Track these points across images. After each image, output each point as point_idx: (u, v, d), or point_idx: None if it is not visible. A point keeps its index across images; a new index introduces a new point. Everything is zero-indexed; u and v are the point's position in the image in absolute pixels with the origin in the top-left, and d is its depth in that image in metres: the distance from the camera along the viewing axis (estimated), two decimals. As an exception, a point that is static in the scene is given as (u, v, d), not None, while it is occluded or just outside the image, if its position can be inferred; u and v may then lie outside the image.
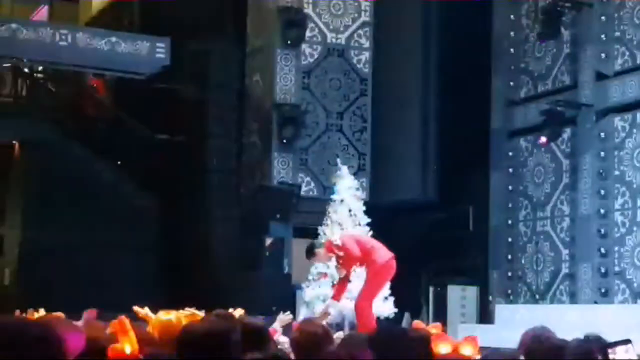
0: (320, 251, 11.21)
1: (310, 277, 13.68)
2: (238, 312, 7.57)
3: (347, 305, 11.59)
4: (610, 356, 4.52)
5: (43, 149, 18.82)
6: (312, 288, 13.56)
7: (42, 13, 19.51)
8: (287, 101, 18.23)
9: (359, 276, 11.24)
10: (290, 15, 18.24)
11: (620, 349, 4.54)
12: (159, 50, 18.47)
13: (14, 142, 19.44)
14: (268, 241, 17.00)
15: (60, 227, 17.92)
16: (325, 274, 11.76)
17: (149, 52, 18.52)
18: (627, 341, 4.63)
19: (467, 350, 2.86)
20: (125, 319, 3.65)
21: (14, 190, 20.04)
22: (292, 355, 4.88)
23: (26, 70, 19.45)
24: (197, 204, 19.21)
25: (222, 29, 19.21)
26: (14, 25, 18.16)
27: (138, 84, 18.79)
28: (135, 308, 6.45)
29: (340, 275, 11.22)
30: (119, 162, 19.64)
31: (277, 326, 9.47)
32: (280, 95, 18.23)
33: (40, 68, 19.30)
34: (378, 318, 12.26)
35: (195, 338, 3.89)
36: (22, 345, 2.92)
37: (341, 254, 10.84)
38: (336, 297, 11.25)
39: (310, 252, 11.29)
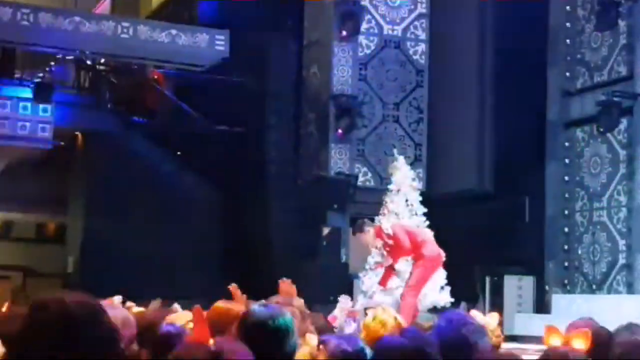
0: (370, 231, 11.18)
1: (367, 267, 13.73)
2: (297, 301, 7.62)
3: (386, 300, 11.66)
4: None
5: (105, 140, 19.12)
6: (369, 277, 13.60)
7: (105, 6, 19.82)
8: (344, 92, 18.21)
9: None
10: (347, 7, 18.22)
11: None
12: (218, 43, 18.73)
13: (76, 133, 19.76)
14: (325, 231, 17.01)
15: (122, 217, 18.26)
16: (381, 264, 11.80)
17: (208, 44, 18.79)
18: None
19: (578, 343, 2.81)
20: (200, 309, 3.71)
21: (77, 180, 20.45)
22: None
23: (89, 62, 19.65)
24: (256, 195, 19.34)
25: (280, 22, 19.21)
26: (77, 18, 18.49)
27: (198, 75, 18.93)
28: (232, 287, 6.45)
29: (386, 264, 11.40)
30: (178, 153, 19.86)
31: (337, 313, 9.58)
32: (337, 87, 18.25)
33: (102, 60, 19.50)
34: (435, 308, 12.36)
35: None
36: (71, 326, 2.87)
37: (390, 242, 10.91)
38: (382, 283, 11.56)
39: (359, 229, 11.30)
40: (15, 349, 2.85)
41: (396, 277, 11.67)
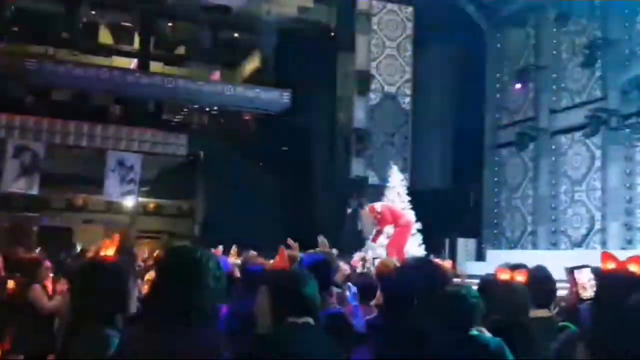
0: (366, 209, 11.50)
1: (371, 234, 13.87)
2: (335, 251, 7.48)
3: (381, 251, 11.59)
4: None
5: (217, 156, 19.02)
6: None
7: (216, 75, 20.11)
8: (360, 127, 18.15)
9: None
10: (362, 75, 18.31)
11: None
12: (284, 97, 18.83)
13: (200, 152, 19.83)
14: (348, 211, 16.88)
15: (226, 202, 18.04)
16: (377, 235, 11.98)
17: (278, 98, 18.90)
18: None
19: (633, 267, 2.45)
20: (283, 248, 3.86)
21: (200, 180, 20.44)
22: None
23: (207, 109, 19.73)
24: (308, 188, 19.25)
25: (321, 83, 19.29)
26: (200, 82, 18.86)
27: (272, 117, 19.09)
28: (290, 241, 6.45)
29: (377, 229, 11.49)
30: (260, 164, 19.76)
31: (356, 259, 9.76)
32: (356, 124, 18.15)
33: (215, 108, 19.59)
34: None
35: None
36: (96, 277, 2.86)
37: (379, 216, 11.01)
38: (374, 240, 11.74)
39: (362, 207, 11.83)
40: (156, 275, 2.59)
41: (382, 237, 11.69)
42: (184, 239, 19.91)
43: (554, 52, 16.05)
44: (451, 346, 2.75)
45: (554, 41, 16.03)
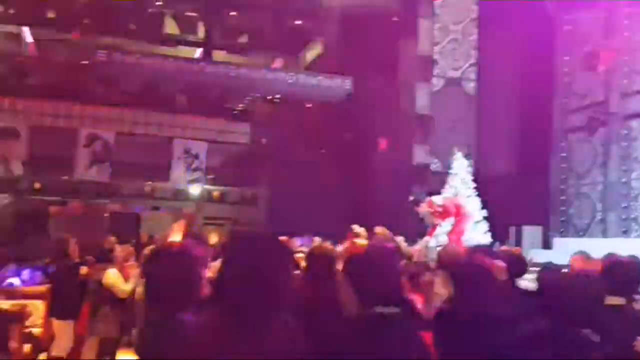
0: (424, 204, 11.40)
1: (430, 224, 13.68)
2: (400, 238, 7.37)
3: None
4: None
5: (279, 143, 19.02)
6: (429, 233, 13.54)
7: (279, 63, 20.27)
8: (423, 112, 17.95)
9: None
10: (425, 60, 18.08)
11: None
12: (346, 84, 18.89)
13: (263, 140, 20.00)
14: (411, 198, 16.48)
15: (289, 192, 17.99)
16: (433, 228, 11.85)
17: (340, 85, 18.94)
18: None
19: None
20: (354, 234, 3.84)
21: (264, 170, 20.52)
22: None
23: (269, 97, 19.92)
24: (372, 177, 18.99)
25: (383, 69, 19.01)
26: (262, 71, 19.04)
27: (333, 104, 19.16)
28: (355, 227, 6.31)
29: (433, 223, 11.39)
30: (323, 151, 19.81)
31: (418, 247, 9.76)
32: (418, 110, 17.93)
33: (277, 96, 19.77)
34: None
35: None
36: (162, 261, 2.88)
37: (439, 210, 10.96)
38: (430, 234, 11.39)
39: (417, 204, 11.65)
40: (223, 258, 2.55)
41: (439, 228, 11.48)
42: (248, 226, 20.12)
43: (626, 33, 15.50)
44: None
45: (626, 22, 15.48)
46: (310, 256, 4.08)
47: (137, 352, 2.92)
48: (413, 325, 2.71)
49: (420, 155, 17.84)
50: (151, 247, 5.96)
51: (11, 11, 19.29)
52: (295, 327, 2.39)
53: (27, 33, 19.67)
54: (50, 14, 19.15)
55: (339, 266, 3.51)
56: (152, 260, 3.08)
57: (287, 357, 2.29)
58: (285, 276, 2.37)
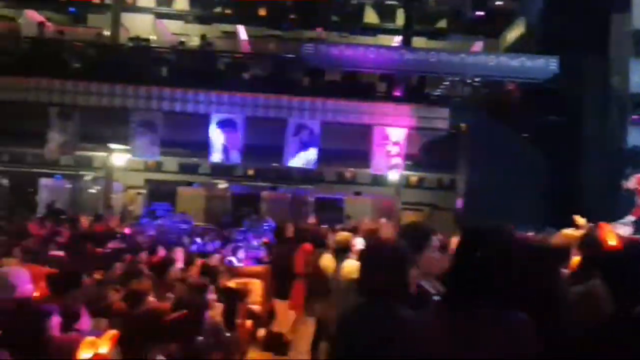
0: (632, 180, 10.70)
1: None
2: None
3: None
4: None
5: (479, 128, 18.51)
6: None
7: (478, 45, 19.98)
8: (637, 91, 17.03)
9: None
10: (638, 36, 17.05)
11: None
12: (552, 63, 18.18)
13: (462, 124, 19.28)
14: (624, 184, 15.87)
15: (490, 178, 17.53)
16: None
17: (545, 65, 18.27)
18: None
19: None
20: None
21: (463, 155, 19.65)
22: None
23: (468, 81, 19.53)
24: (578, 159, 17.98)
25: (592, 46, 18.02)
26: (462, 55, 18.94)
27: (537, 86, 18.45)
28: (577, 218, 6.09)
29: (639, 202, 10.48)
30: (526, 135, 18.80)
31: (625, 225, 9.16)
32: (632, 89, 17.03)
33: (477, 79, 19.45)
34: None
35: None
36: None
37: None
38: (635, 214, 10.43)
39: (627, 179, 10.75)
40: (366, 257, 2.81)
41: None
42: (447, 213, 20.15)
43: None
44: None
45: None
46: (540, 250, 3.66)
47: (339, 332, 3.01)
48: None
49: (634, 138, 17.01)
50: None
51: (227, 11, 21.19)
52: (529, 325, 2.26)
53: (241, 31, 21.54)
54: (262, 12, 20.73)
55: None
56: (367, 254, 3.18)
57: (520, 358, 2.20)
58: (537, 275, 2.45)
